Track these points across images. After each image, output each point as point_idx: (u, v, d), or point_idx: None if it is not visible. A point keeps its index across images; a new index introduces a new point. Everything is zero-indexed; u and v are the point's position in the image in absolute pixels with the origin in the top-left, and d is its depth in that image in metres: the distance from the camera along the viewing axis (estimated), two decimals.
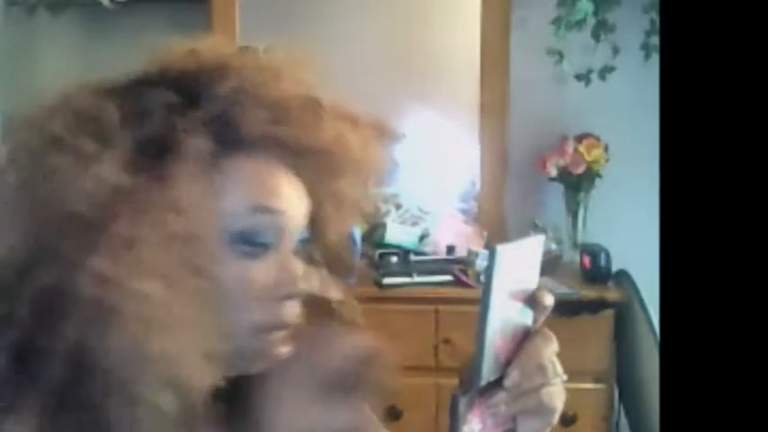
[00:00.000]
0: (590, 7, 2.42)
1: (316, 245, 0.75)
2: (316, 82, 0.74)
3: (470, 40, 2.63)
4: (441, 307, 2.20)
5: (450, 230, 2.54)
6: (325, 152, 0.72)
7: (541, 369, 0.70)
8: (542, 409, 0.70)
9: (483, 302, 0.67)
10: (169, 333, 0.63)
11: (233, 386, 0.73)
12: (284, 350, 0.71)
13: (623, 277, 2.32)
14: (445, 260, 2.42)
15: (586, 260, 2.36)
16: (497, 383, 0.70)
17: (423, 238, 2.50)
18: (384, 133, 0.78)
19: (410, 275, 2.31)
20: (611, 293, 2.27)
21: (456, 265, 2.36)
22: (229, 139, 0.68)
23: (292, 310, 0.70)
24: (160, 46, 0.73)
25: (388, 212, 2.59)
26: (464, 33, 2.66)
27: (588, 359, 2.18)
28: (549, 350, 0.71)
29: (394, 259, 2.40)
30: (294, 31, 2.51)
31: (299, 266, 0.71)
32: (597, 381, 2.23)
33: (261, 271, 0.69)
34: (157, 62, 0.71)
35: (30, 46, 2.77)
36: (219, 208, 0.67)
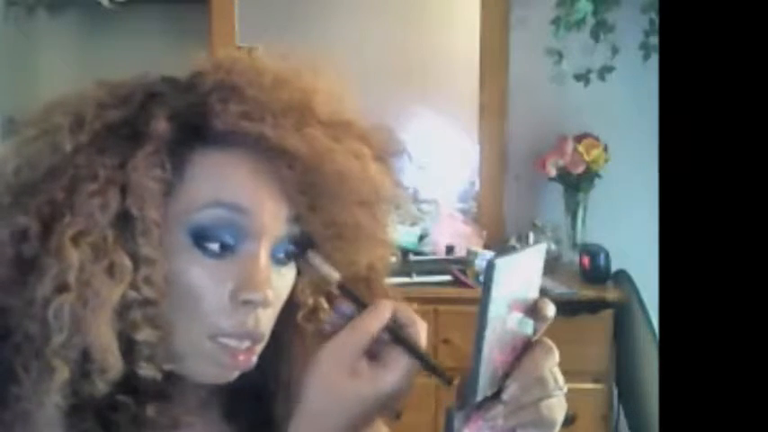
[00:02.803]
0: (589, 7, 2.42)
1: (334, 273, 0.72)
2: (324, 92, 0.72)
3: (470, 40, 2.63)
4: (440, 307, 2.20)
5: (449, 230, 2.54)
6: (308, 161, 0.68)
7: (541, 382, 0.67)
8: (542, 423, 0.68)
9: (480, 318, 0.64)
10: (86, 302, 0.62)
11: (237, 387, 0.73)
12: (246, 361, 0.69)
13: (622, 277, 2.32)
14: (444, 260, 2.41)
15: (586, 260, 2.36)
16: (495, 396, 0.67)
17: (422, 237, 2.50)
18: (396, 151, 0.77)
19: (409, 275, 2.30)
20: (611, 293, 2.26)
21: (455, 265, 2.36)
22: (199, 130, 0.68)
23: (257, 320, 0.68)
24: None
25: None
26: (464, 33, 2.66)
27: (587, 359, 2.18)
28: (550, 362, 0.68)
29: (393, 259, 2.40)
30: (293, 33, 2.51)
31: (263, 273, 0.68)
32: (596, 381, 2.23)
33: (219, 272, 0.67)
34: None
35: (29, 46, 2.76)
36: (178, 199, 0.67)
